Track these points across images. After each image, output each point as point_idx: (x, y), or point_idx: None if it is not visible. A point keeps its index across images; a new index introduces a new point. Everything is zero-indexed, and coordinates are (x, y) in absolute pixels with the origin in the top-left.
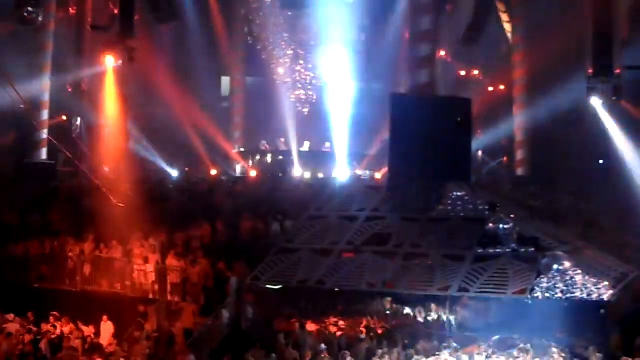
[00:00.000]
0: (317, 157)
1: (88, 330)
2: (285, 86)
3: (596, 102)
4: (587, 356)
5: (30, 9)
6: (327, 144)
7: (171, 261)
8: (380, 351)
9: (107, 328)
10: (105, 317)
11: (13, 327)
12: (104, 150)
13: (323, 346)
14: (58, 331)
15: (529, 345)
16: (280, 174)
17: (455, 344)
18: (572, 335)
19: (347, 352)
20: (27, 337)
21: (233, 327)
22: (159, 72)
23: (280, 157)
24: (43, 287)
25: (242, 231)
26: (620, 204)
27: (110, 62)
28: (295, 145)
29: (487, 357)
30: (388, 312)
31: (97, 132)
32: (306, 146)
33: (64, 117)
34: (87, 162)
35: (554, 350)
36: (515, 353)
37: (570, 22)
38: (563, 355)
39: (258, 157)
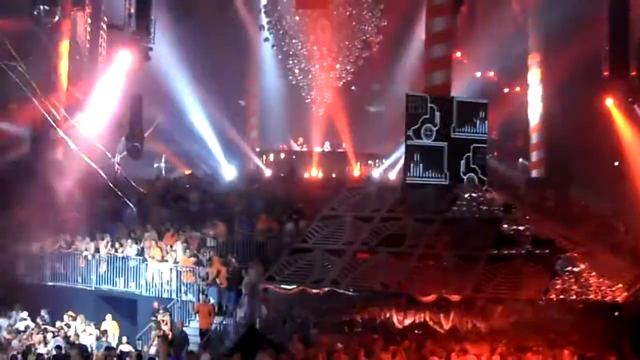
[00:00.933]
0: (333, 158)
1: (101, 329)
2: (301, 87)
3: (611, 104)
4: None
5: (45, 7)
6: (344, 145)
7: (186, 260)
8: (394, 349)
9: (112, 326)
10: (109, 316)
11: (27, 325)
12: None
13: (339, 345)
14: (72, 330)
15: (540, 348)
16: (288, 174)
17: (467, 345)
18: (585, 338)
19: (361, 349)
20: (41, 336)
21: (248, 327)
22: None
23: (293, 157)
24: (57, 285)
25: (256, 231)
26: (635, 205)
27: (126, 61)
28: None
29: (499, 357)
30: (402, 312)
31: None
32: (326, 146)
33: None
34: (101, 162)
35: (566, 352)
36: (527, 355)
37: (586, 24)
38: (576, 358)
39: (273, 156)
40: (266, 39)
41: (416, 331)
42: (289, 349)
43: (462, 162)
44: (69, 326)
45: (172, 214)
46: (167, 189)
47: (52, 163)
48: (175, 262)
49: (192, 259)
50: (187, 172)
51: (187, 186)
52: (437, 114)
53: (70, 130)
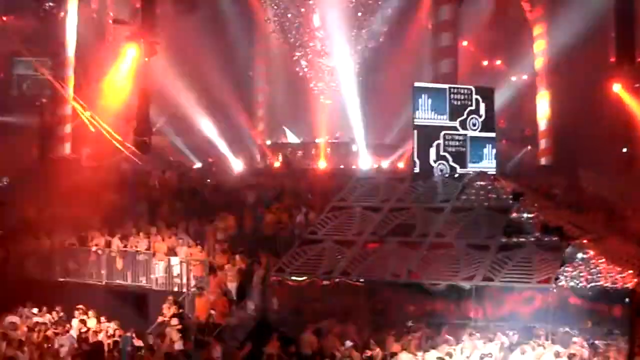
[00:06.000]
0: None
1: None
2: (308, 77)
3: (619, 89)
4: (611, 345)
5: (50, 4)
6: (338, 134)
7: (196, 254)
8: (406, 340)
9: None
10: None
11: (38, 321)
12: (129, 143)
13: (349, 343)
14: (84, 325)
15: (551, 335)
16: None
17: (478, 333)
18: (595, 325)
19: (372, 341)
20: (53, 331)
21: (259, 319)
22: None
23: (288, 150)
24: (68, 281)
25: (266, 223)
26: None
27: (132, 55)
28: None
29: (510, 346)
30: (413, 302)
31: (120, 125)
32: (335, 137)
33: (89, 112)
34: (110, 156)
35: (577, 339)
36: (538, 342)
37: (592, 9)
38: (586, 344)
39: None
40: (267, 20)
41: (427, 321)
42: (300, 341)
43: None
44: (83, 322)
45: (183, 207)
46: (178, 183)
47: (61, 158)
48: (186, 255)
49: (203, 252)
50: (197, 165)
51: (207, 180)
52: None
53: (79, 126)
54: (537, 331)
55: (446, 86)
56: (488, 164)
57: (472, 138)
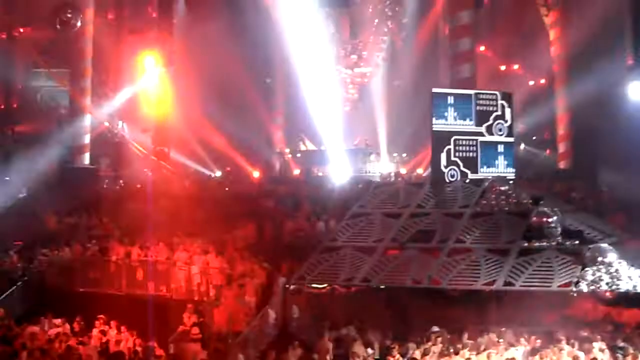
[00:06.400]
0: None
1: (133, 334)
2: (327, 85)
3: (636, 90)
4: (631, 349)
5: (67, 15)
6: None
7: (216, 262)
8: (426, 346)
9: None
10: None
11: (59, 331)
12: (148, 152)
13: (370, 350)
14: (105, 335)
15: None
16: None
17: (499, 338)
18: (616, 328)
19: (393, 348)
20: (73, 341)
21: (280, 327)
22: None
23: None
24: (88, 291)
25: (286, 231)
26: None
27: (150, 65)
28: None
29: (531, 350)
30: (434, 308)
31: (140, 135)
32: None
33: (106, 123)
34: (130, 166)
35: (597, 343)
36: (559, 347)
37: (608, 12)
38: (605, 348)
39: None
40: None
41: (448, 327)
42: (317, 348)
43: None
44: (103, 332)
45: (203, 216)
46: (198, 192)
47: (80, 168)
48: (206, 264)
49: (223, 261)
50: (217, 174)
51: (227, 189)
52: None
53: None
54: (558, 336)
55: (472, 92)
56: (505, 169)
57: (484, 143)
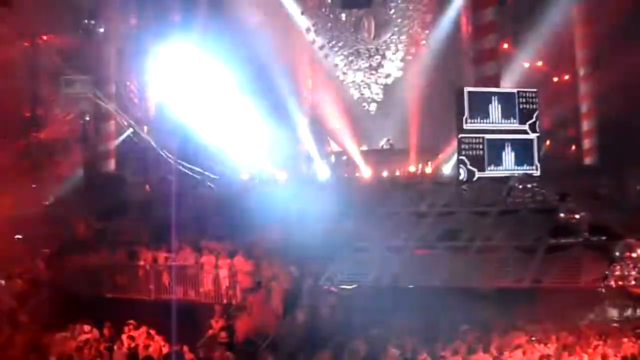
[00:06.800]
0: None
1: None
2: (349, 85)
3: None
4: None
5: (90, 21)
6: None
7: (244, 265)
8: (455, 345)
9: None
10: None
11: (88, 337)
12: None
13: (396, 351)
14: (134, 341)
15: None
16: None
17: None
18: None
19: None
20: (102, 347)
21: (309, 329)
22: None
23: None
24: (117, 297)
25: (313, 231)
26: None
27: (174, 70)
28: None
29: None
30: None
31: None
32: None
33: (131, 129)
34: (156, 171)
35: (627, 339)
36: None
37: (632, 5)
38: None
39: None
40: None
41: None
42: (349, 351)
43: None
44: (132, 337)
45: (229, 219)
46: (224, 195)
47: (106, 174)
48: (233, 267)
49: (250, 264)
50: (243, 176)
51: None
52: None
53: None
54: (588, 332)
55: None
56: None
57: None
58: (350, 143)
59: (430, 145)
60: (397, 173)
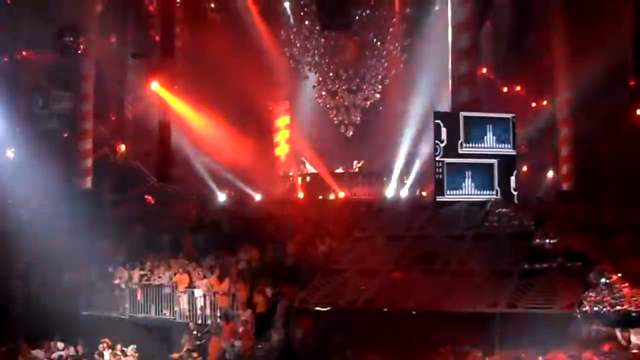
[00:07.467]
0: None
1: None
2: (327, 109)
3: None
4: None
5: (70, 38)
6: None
7: (219, 285)
8: None
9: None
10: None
11: (61, 354)
12: (150, 175)
13: None
14: (107, 358)
15: None
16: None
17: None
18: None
19: None
20: None
21: (283, 350)
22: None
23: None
24: (92, 314)
25: (289, 253)
26: None
27: (152, 88)
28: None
29: None
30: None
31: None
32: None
33: (107, 147)
34: (132, 189)
35: None
36: None
37: (612, 35)
38: None
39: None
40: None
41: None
42: None
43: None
44: (102, 355)
45: (205, 239)
46: (201, 214)
47: (83, 191)
48: (208, 287)
49: (226, 284)
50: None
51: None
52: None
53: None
54: (562, 357)
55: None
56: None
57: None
58: (326, 165)
59: (409, 169)
60: (374, 195)
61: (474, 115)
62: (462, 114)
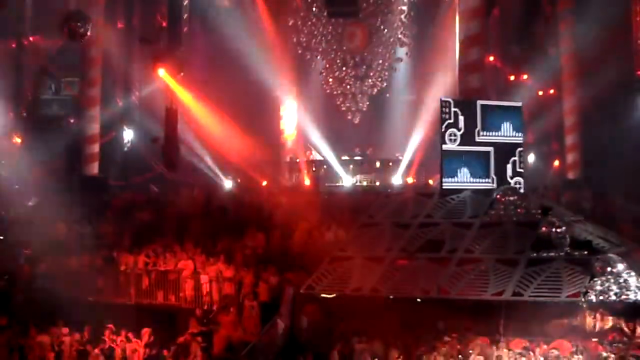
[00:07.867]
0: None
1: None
2: (334, 96)
3: None
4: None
5: (77, 23)
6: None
7: (225, 272)
8: (434, 356)
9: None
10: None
11: (67, 339)
12: (156, 161)
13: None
14: (113, 344)
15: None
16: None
17: (508, 348)
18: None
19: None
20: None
21: (288, 337)
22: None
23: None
24: (97, 300)
25: (295, 240)
26: None
27: (159, 74)
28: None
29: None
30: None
31: (150, 144)
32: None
33: (114, 132)
34: (139, 175)
35: (605, 354)
36: (567, 357)
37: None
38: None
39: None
40: (299, 48)
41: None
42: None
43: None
44: (112, 341)
45: (211, 225)
46: (207, 201)
47: (89, 177)
48: (214, 273)
49: (232, 271)
50: (225, 182)
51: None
52: (461, 117)
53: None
54: (567, 346)
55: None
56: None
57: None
58: (332, 152)
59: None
60: (377, 183)
61: (489, 104)
62: (480, 102)
